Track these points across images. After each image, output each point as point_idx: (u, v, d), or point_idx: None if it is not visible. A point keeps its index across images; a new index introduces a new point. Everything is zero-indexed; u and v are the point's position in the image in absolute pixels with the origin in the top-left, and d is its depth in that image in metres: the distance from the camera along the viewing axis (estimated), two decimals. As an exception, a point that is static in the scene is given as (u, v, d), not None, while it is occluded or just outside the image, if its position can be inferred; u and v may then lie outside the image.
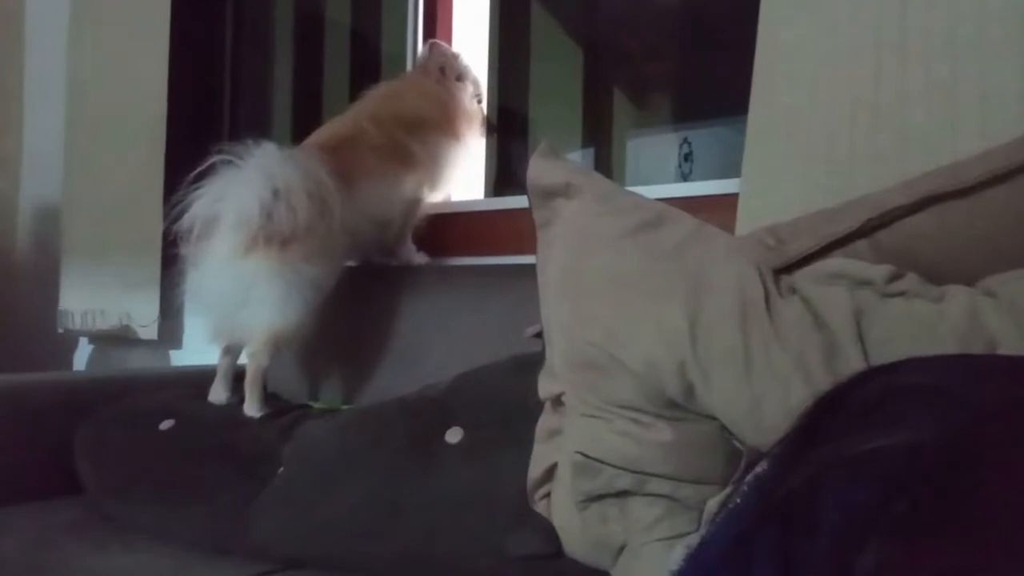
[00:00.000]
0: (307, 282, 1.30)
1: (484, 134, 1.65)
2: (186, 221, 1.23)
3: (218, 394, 1.36)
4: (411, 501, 0.98)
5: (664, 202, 0.93)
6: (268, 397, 1.35)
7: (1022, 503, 0.36)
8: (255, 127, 2.26)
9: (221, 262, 1.25)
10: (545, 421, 0.96)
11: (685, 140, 1.63)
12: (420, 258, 1.57)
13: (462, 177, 1.64)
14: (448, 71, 1.56)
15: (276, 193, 1.23)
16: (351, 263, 1.54)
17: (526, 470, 0.94)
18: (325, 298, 1.36)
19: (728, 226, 1.07)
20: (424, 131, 1.50)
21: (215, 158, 1.23)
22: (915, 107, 0.98)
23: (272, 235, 1.23)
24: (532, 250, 0.98)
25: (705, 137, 1.61)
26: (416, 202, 1.54)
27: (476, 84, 1.62)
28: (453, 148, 1.54)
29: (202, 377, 1.42)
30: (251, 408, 1.30)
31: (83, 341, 2.31)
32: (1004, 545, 0.34)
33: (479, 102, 1.63)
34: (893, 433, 0.43)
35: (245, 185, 1.23)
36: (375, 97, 1.54)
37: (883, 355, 0.68)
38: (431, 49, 1.57)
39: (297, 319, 1.31)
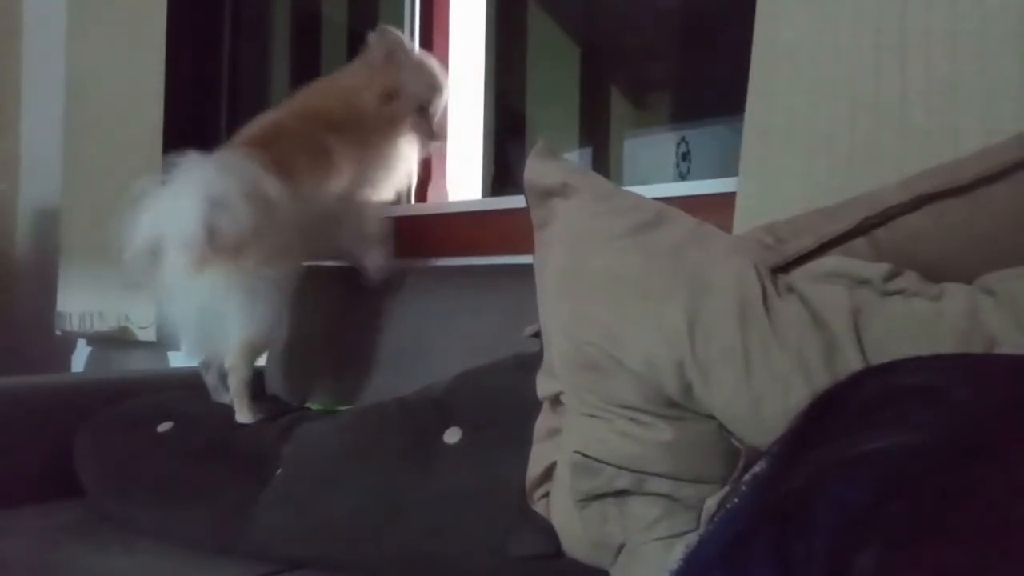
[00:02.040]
0: (269, 286, 1.27)
1: (427, 140, 1.51)
2: (131, 250, 1.19)
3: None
4: (411, 501, 0.98)
5: (662, 201, 0.93)
6: (267, 399, 1.35)
7: (1022, 503, 0.36)
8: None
9: (178, 284, 1.22)
10: (544, 421, 0.96)
11: (683, 139, 1.63)
12: (376, 259, 1.47)
13: (397, 180, 1.51)
14: (396, 59, 1.44)
15: (215, 203, 1.17)
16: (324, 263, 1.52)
17: (525, 470, 0.94)
18: (289, 298, 1.34)
19: (726, 225, 1.07)
20: (338, 130, 1.40)
21: (145, 181, 1.20)
22: (915, 107, 0.98)
23: (222, 246, 1.19)
24: (531, 250, 0.98)
25: (703, 136, 1.61)
26: (358, 203, 1.45)
27: (432, 86, 1.47)
28: (369, 151, 1.44)
29: (201, 379, 1.42)
30: (243, 416, 1.29)
31: (81, 343, 2.31)
32: (1004, 546, 0.34)
33: (426, 109, 1.47)
34: (892, 433, 0.43)
35: (181, 201, 1.19)
36: (307, 90, 1.47)
37: (881, 354, 0.68)
38: (380, 36, 1.45)
39: (267, 325, 1.30)
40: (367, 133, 1.43)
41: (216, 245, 1.19)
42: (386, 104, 1.43)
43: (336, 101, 1.43)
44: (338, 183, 1.39)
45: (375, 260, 1.47)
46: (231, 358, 1.30)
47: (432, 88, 1.48)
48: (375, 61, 1.44)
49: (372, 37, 1.45)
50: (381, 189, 1.48)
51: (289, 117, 1.40)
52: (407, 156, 1.50)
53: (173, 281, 1.22)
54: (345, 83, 1.47)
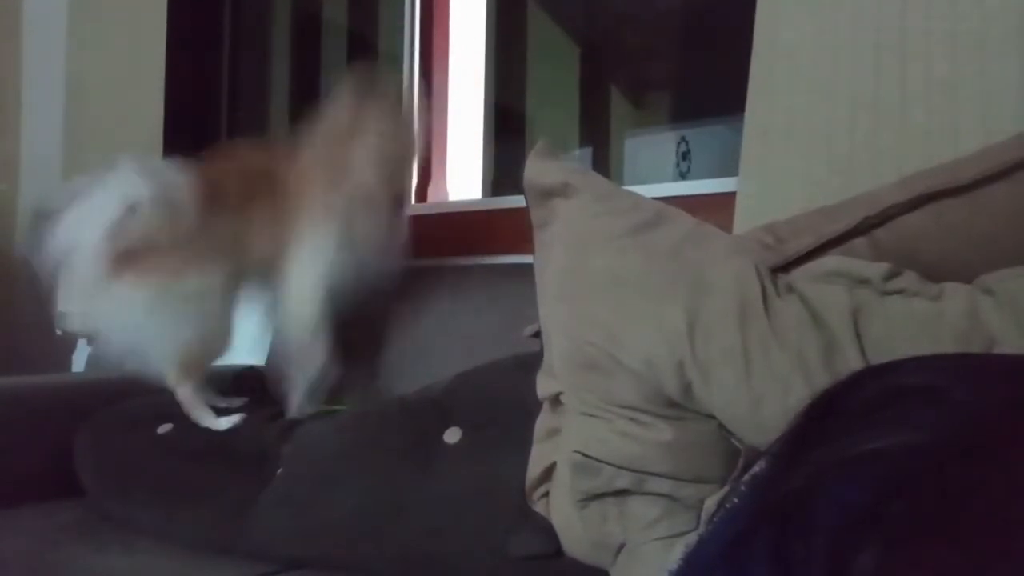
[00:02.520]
0: (192, 295, 1.20)
1: (389, 200, 1.32)
2: (46, 259, 1.14)
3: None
4: (411, 501, 0.98)
5: (662, 201, 0.93)
6: (268, 399, 1.35)
7: (1022, 503, 0.36)
8: (253, 127, 2.26)
9: (91, 295, 1.17)
10: (544, 420, 0.96)
11: (683, 139, 1.63)
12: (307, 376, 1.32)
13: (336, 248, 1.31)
14: (370, 108, 1.28)
15: (126, 210, 1.13)
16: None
17: (525, 470, 0.94)
18: (230, 302, 1.25)
19: (726, 225, 1.07)
20: (264, 177, 1.28)
21: (67, 186, 1.16)
22: (915, 107, 0.98)
23: (130, 255, 1.13)
24: (530, 250, 0.98)
25: (703, 136, 1.62)
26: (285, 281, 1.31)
27: (402, 140, 1.30)
28: (288, 204, 1.28)
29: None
30: (211, 423, 1.24)
31: (82, 343, 2.31)
32: (1004, 546, 0.34)
33: (392, 162, 1.30)
34: (893, 433, 0.43)
35: (92, 209, 1.15)
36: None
37: (881, 354, 0.68)
38: (352, 77, 1.30)
39: (200, 335, 1.23)
40: (290, 184, 1.28)
41: (122, 253, 1.13)
42: (340, 143, 1.27)
43: (270, 152, 1.33)
44: (268, 221, 1.26)
45: (307, 370, 1.31)
46: (170, 375, 1.23)
47: (401, 141, 1.33)
48: (343, 101, 1.30)
49: (342, 82, 1.30)
50: (313, 262, 1.28)
51: (248, 147, 1.32)
52: (344, 216, 1.29)
53: (89, 296, 1.16)
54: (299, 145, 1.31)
